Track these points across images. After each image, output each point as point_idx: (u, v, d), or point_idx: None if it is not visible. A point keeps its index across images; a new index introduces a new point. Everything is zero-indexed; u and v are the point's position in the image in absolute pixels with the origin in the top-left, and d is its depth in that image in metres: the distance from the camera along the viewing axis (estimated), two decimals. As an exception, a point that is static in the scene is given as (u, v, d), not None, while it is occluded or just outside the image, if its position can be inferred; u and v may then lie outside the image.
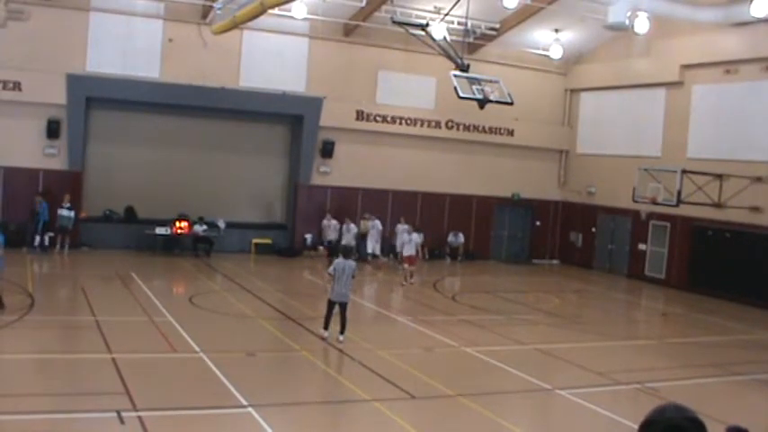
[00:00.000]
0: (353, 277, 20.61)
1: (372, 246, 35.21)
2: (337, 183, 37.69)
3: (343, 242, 31.55)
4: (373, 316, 25.95)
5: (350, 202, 37.36)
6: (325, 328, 20.46)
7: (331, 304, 20.33)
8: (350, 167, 37.68)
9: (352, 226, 34.52)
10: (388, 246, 36.45)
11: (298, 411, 15.10)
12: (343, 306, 20.32)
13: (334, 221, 35.22)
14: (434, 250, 38.92)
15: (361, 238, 35.14)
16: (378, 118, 38.06)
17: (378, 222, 35.65)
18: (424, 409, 15.67)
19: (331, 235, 35.30)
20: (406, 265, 30.80)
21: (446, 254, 39.45)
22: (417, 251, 31.62)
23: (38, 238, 32.15)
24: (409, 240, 31.00)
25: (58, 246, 32.66)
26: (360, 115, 37.74)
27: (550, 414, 16.86)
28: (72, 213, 32.71)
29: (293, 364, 18.77)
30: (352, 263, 20.61)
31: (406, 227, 32.02)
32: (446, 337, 21.82)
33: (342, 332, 20.17)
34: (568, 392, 17.07)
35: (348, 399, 15.92)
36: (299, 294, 27.55)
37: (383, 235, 36.19)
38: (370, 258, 35.17)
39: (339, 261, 20.63)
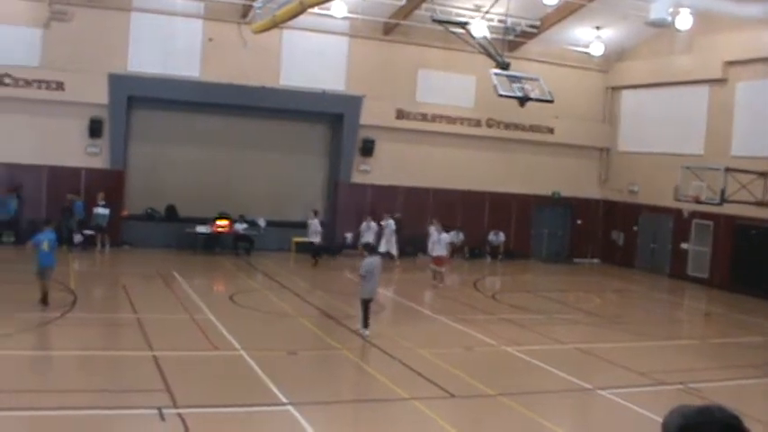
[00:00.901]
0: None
1: (385, 245, 34.59)
2: (377, 181, 37.68)
3: (365, 240, 30.96)
4: (413, 315, 25.88)
5: (390, 201, 37.29)
6: (366, 326, 20.52)
7: (366, 302, 20.50)
8: (390, 166, 37.64)
9: (373, 224, 34.26)
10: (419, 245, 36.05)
11: (337, 409, 15.12)
12: (371, 302, 20.68)
13: (373, 224, 34.74)
14: (474, 249, 38.80)
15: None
16: (418, 116, 38.00)
17: (392, 222, 35.11)
18: (464, 409, 15.61)
19: (369, 237, 34.80)
20: (433, 266, 30.37)
21: (486, 253, 39.31)
22: (447, 252, 31.08)
23: (76, 237, 32.47)
24: (438, 240, 30.55)
25: (98, 244, 32.97)
26: (400, 114, 37.71)
27: (592, 414, 16.73)
28: (107, 211, 33.01)
29: (333, 363, 18.80)
30: (379, 260, 20.79)
31: (436, 226, 31.70)
32: (486, 336, 21.73)
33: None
34: (610, 392, 16.92)
35: (388, 397, 15.88)
36: (340, 293, 27.53)
37: (419, 234, 35.86)
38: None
39: (370, 260, 20.70)
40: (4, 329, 19.07)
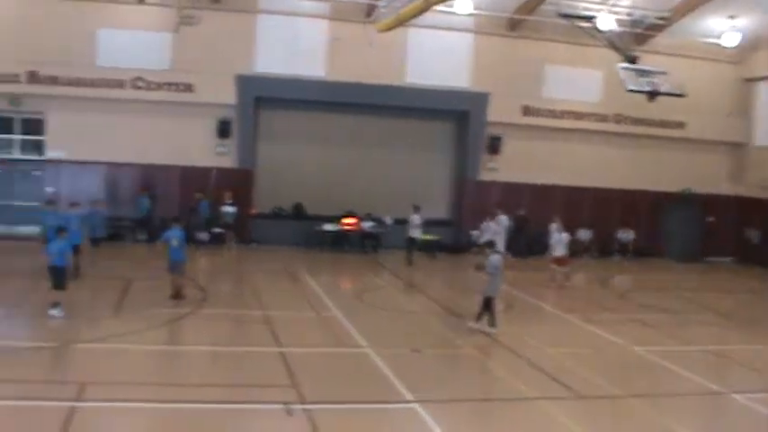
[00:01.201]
0: None
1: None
2: (505, 178, 37.35)
3: (486, 238, 30.26)
4: (540, 313, 25.52)
5: (517, 199, 36.93)
6: (493, 324, 20.38)
7: (490, 300, 20.49)
8: (517, 163, 37.23)
9: (493, 222, 33.51)
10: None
11: (463, 408, 14.99)
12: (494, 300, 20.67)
13: (492, 222, 34.03)
14: (603, 247, 38.09)
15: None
16: (545, 113, 37.55)
17: (504, 219, 34.29)
18: (593, 410, 15.26)
19: (490, 236, 33.98)
20: (554, 266, 29.67)
21: (615, 251, 38.55)
22: (566, 251, 30.02)
23: (202, 235, 33.19)
24: (559, 240, 29.90)
25: (226, 242, 33.65)
26: (526, 110, 37.31)
27: (725, 418, 16.08)
28: (234, 210, 33.64)
29: (459, 361, 18.69)
30: (500, 257, 20.62)
31: (557, 225, 30.97)
32: (615, 336, 21.28)
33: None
34: (744, 397, 16.35)
35: (514, 397, 15.69)
36: (466, 291, 27.36)
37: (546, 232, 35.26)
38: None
39: (496, 257, 20.57)
40: (138, 325, 19.69)
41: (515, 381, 16.54)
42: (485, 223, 33.61)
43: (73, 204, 26.59)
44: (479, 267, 21.38)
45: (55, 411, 13.20)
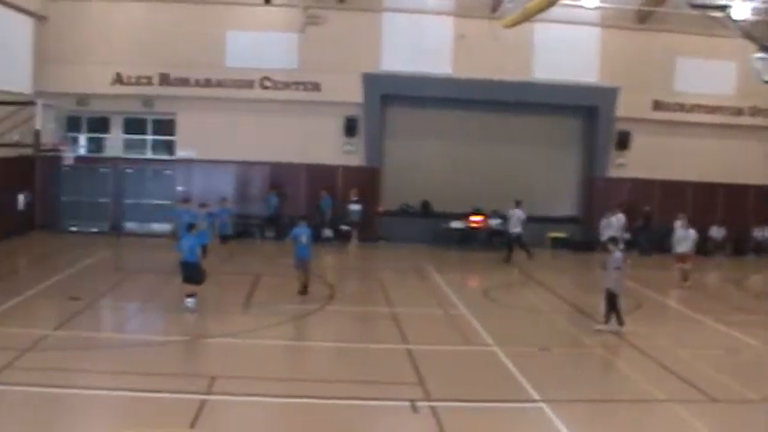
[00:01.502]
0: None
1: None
2: (634, 175, 36.52)
3: (611, 234, 29.39)
4: (670, 313, 24.93)
5: (647, 195, 36.11)
6: (621, 323, 19.96)
7: (615, 297, 20.08)
8: (647, 159, 36.28)
9: (614, 219, 32.59)
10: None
11: (590, 409, 14.66)
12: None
13: (614, 219, 33.09)
14: (738, 246, 36.83)
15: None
16: (675, 107, 36.55)
17: (621, 216, 32.92)
18: (726, 414, 14.64)
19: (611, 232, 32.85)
20: (679, 265, 28.50)
21: (751, 250, 37.23)
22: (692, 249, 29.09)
23: (325, 232, 33.51)
24: (685, 236, 28.87)
25: (351, 240, 33.87)
26: (657, 105, 36.38)
27: None
28: (359, 207, 33.86)
29: (587, 361, 18.33)
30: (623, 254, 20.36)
31: (682, 222, 29.88)
32: (750, 338, 20.50)
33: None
34: None
35: (644, 398, 15.24)
36: (595, 290, 26.84)
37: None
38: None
39: (619, 254, 20.11)
40: (267, 320, 20.04)
41: (645, 382, 16.10)
42: (604, 220, 32.78)
43: (202, 205, 27.16)
44: (605, 266, 20.99)
45: (186, 404, 13.50)
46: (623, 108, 35.82)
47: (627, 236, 33.11)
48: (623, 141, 36.30)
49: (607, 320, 20.19)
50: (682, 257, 28.20)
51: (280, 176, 34.97)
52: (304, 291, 22.95)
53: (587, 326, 20.97)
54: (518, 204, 32.06)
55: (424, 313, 22.06)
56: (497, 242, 34.48)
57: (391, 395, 14.49)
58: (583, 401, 14.88)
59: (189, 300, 20.55)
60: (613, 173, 36.62)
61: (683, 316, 24.19)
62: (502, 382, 15.73)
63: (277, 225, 34.04)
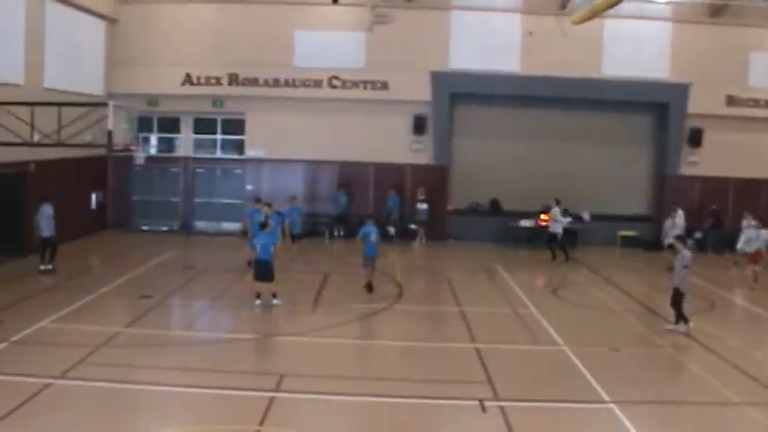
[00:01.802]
0: None
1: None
2: (706, 173, 35.85)
3: (676, 233, 28.65)
4: (744, 313, 24.44)
5: (720, 194, 35.45)
6: (686, 321, 19.64)
7: (682, 296, 19.79)
8: (720, 157, 35.55)
9: (678, 219, 31.58)
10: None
11: (662, 410, 14.38)
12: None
13: (678, 218, 32.18)
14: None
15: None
16: (750, 103, 35.79)
17: (681, 214, 32.12)
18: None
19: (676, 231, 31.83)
20: (751, 266, 27.43)
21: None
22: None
23: (391, 230, 33.53)
24: (757, 237, 27.77)
25: (418, 238, 33.82)
26: (730, 101, 35.64)
27: None
28: (426, 206, 33.78)
29: (658, 361, 18.00)
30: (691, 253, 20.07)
31: (748, 221, 29.04)
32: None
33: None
34: None
35: (717, 400, 14.91)
36: (666, 289, 26.43)
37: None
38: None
39: (686, 253, 19.73)
40: (335, 319, 20.13)
41: (718, 384, 15.75)
42: (668, 221, 31.74)
43: (267, 205, 27.31)
44: (671, 268, 20.65)
45: (254, 401, 13.61)
46: (695, 104, 35.16)
47: (698, 235, 32.60)
48: (696, 138, 35.63)
49: (677, 320, 19.87)
50: (754, 257, 27.53)
51: (348, 175, 35.09)
52: (370, 288, 23.13)
53: (658, 325, 20.64)
54: (557, 203, 31.58)
55: (493, 312, 21.94)
56: (566, 241, 34.13)
57: (460, 394, 14.44)
58: (654, 403, 14.62)
59: (275, 300, 21.07)
60: (685, 171, 35.99)
61: (756, 317, 23.63)
62: (571, 382, 15.56)
63: (346, 224, 34.14)
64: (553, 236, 31.31)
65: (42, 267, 24.55)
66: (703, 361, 17.66)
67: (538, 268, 29.85)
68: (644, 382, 15.98)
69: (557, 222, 31.32)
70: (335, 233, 34.59)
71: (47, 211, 24.72)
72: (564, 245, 31.32)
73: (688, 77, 34.89)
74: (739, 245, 29.09)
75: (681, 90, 35.01)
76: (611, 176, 36.35)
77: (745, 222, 29.89)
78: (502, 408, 13.64)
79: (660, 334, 19.75)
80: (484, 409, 13.57)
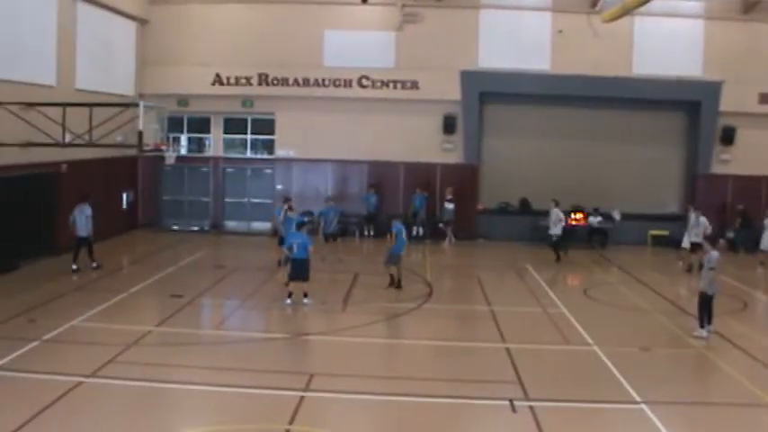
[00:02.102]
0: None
1: (694, 238, 28.66)
2: (739, 171, 35.50)
3: (698, 232, 28.08)
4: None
5: (752, 193, 35.11)
6: (708, 323, 19.34)
7: (710, 299, 19.30)
8: (753, 155, 35.24)
9: (702, 218, 30.70)
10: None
11: (693, 411, 14.27)
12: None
13: (702, 218, 31.18)
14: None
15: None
16: (785, 100, 35.45)
17: (692, 216, 31.28)
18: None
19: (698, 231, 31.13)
20: None
21: None
22: None
23: (417, 229, 33.54)
24: None
25: (447, 238, 33.77)
26: (763, 99, 35.23)
27: None
28: (452, 206, 33.71)
29: (689, 361, 17.84)
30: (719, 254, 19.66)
31: None
32: None
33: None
34: None
35: (750, 402, 14.76)
36: (697, 288, 26.20)
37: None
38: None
39: (715, 253, 19.44)
40: (365, 318, 20.14)
41: (751, 385, 15.58)
42: (692, 219, 30.33)
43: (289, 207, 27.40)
44: (689, 269, 20.33)
45: (284, 400, 13.66)
46: (728, 102, 34.82)
47: (730, 235, 32.31)
48: (728, 137, 35.28)
49: (701, 324, 19.36)
50: None
51: (378, 175, 35.07)
52: (395, 284, 23.43)
53: (689, 325, 20.44)
54: (556, 204, 30.81)
55: (523, 312, 21.85)
56: (597, 240, 33.98)
57: (490, 394, 14.40)
58: (685, 403, 14.51)
59: (292, 300, 21.13)
60: (717, 169, 35.66)
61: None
62: (601, 382, 15.47)
63: (375, 223, 34.17)
64: (556, 238, 30.75)
65: (75, 267, 24.79)
66: (735, 361, 17.48)
67: (568, 267, 29.67)
68: (675, 383, 15.86)
69: (558, 223, 30.57)
70: (366, 233, 34.64)
71: (86, 210, 25.00)
72: (558, 246, 30.71)
73: (720, 75, 34.58)
74: (762, 244, 28.89)
75: (713, 88, 34.70)
76: (641, 175, 36.12)
77: (767, 221, 29.65)
78: (532, 408, 13.60)
79: (691, 334, 19.51)
80: (514, 409, 13.53)
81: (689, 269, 27.64)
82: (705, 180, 35.46)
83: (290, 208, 26.19)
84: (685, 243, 28.63)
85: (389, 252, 23.75)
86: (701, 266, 21.03)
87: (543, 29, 34.74)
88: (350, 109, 34.68)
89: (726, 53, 34.46)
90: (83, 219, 24.83)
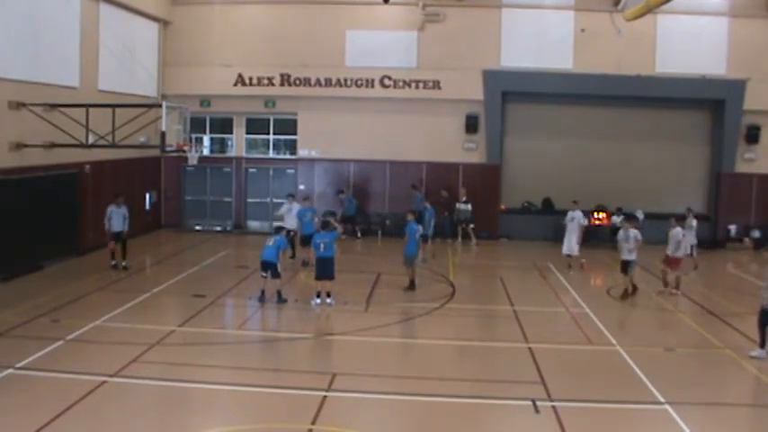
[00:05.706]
0: None
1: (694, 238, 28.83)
2: (764, 170, 35.25)
3: (691, 240, 27.04)
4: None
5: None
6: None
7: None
8: (778, 153, 35.10)
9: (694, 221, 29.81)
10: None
11: (719, 412, 14.16)
12: None
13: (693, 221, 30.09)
14: None
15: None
16: (808, 98, 35.15)
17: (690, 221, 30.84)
18: None
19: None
20: None
21: None
22: None
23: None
24: None
25: (471, 239, 33.66)
26: (788, 97, 35.07)
27: None
28: (468, 206, 33.56)
29: (715, 362, 17.63)
30: None
31: None
32: None
33: None
34: None
35: (777, 403, 14.67)
36: (723, 289, 26.07)
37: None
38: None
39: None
40: (387, 318, 20.15)
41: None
42: (689, 221, 29.19)
43: (306, 199, 27.52)
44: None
45: (308, 400, 13.69)
46: (752, 100, 34.55)
47: (757, 234, 32.14)
48: (753, 135, 35.02)
49: (763, 344, 17.45)
50: None
51: (400, 174, 35.00)
52: (410, 286, 23.49)
53: (714, 325, 20.33)
54: (575, 204, 29.64)
55: (546, 312, 21.82)
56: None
57: (513, 394, 14.36)
58: (711, 405, 14.39)
59: (320, 299, 21.33)
60: (742, 168, 35.42)
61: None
62: (625, 382, 15.40)
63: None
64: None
65: (114, 263, 25.33)
66: (761, 362, 17.33)
67: (591, 267, 29.52)
68: (700, 384, 15.76)
69: (575, 229, 29.74)
70: (387, 231, 34.56)
71: (122, 210, 25.37)
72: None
73: (745, 73, 34.34)
74: None
75: (737, 86, 34.45)
76: (665, 174, 35.92)
77: None
78: (555, 408, 13.56)
79: (716, 334, 19.34)
80: (537, 409, 13.48)
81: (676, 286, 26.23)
82: (729, 179, 35.24)
83: (306, 199, 26.37)
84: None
85: (405, 252, 23.79)
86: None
87: (566, 28, 34.61)
88: (372, 109, 34.70)
89: (750, 51, 34.22)
90: (120, 218, 25.17)
